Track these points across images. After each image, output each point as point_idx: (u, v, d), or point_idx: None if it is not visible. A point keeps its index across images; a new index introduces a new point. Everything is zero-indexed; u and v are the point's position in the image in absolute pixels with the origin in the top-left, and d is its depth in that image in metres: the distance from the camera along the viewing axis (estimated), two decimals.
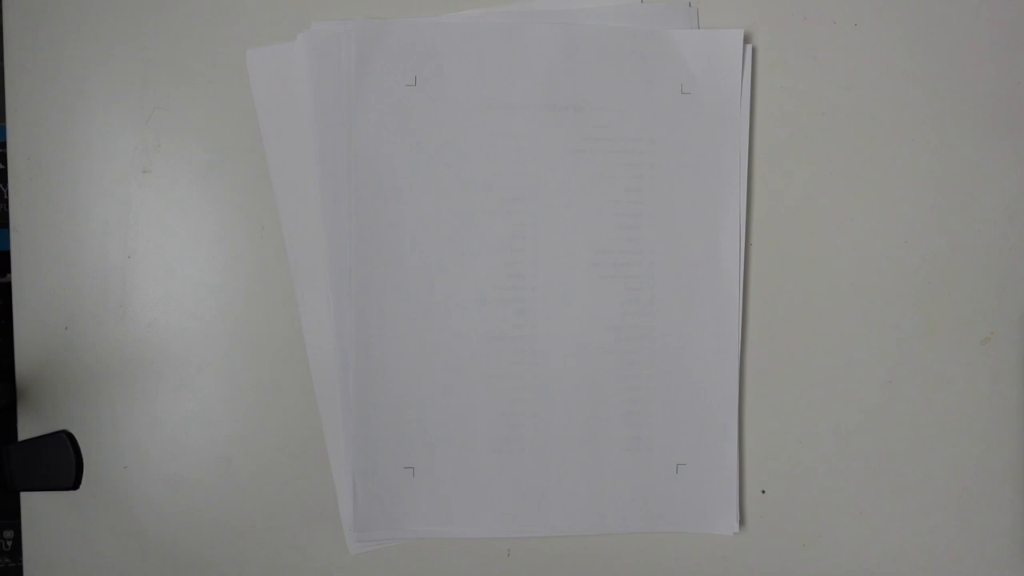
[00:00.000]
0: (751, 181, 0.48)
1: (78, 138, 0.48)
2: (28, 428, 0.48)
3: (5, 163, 0.48)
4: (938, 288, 0.49)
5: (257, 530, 0.47)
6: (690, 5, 0.48)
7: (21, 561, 0.48)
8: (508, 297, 0.47)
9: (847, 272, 0.49)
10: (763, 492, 0.49)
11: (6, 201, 0.48)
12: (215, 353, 0.48)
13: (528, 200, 0.47)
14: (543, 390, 0.48)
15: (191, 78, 0.48)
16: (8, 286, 0.48)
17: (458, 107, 0.47)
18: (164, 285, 0.48)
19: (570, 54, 0.47)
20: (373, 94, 0.47)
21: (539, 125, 0.47)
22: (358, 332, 0.47)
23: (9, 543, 0.52)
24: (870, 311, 0.49)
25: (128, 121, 0.48)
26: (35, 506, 0.48)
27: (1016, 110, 0.49)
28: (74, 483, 0.46)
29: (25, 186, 0.48)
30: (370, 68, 0.46)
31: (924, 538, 0.49)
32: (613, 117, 0.47)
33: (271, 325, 0.48)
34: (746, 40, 0.48)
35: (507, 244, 0.47)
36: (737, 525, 0.48)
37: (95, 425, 0.48)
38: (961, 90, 0.49)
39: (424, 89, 0.47)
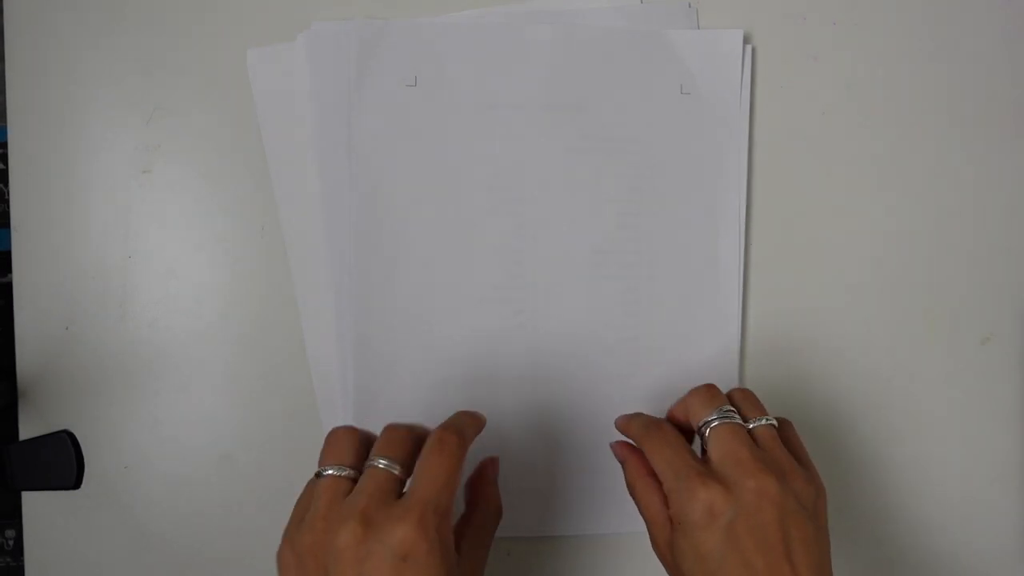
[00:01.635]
0: (751, 181, 0.48)
1: (78, 138, 0.48)
2: (29, 428, 0.48)
3: (6, 163, 0.48)
4: (938, 288, 0.49)
5: (257, 530, 0.47)
6: (690, 6, 0.48)
7: (22, 560, 0.48)
8: (508, 297, 0.47)
9: (847, 272, 0.49)
10: None
11: (7, 201, 0.48)
12: (215, 353, 0.48)
13: (528, 200, 0.47)
14: (543, 390, 0.48)
15: (191, 78, 0.48)
16: (9, 286, 0.48)
17: (458, 107, 0.47)
18: (164, 285, 0.48)
19: (570, 54, 0.47)
20: (373, 94, 0.47)
21: (539, 125, 0.47)
22: (358, 332, 0.47)
23: (10, 542, 0.52)
24: (870, 311, 0.49)
25: (128, 121, 0.48)
26: (36, 506, 0.48)
27: (1016, 110, 0.49)
28: (75, 483, 0.47)
29: (26, 186, 0.48)
30: (370, 68, 0.47)
31: (924, 538, 0.49)
32: (613, 117, 0.47)
33: (271, 325, 0.48)
34: (746, 40, 0.48)
35: (507, 244, 0.47)
36: None
37: (96, 425, 0.48)
38: (961, 90, 0.49)
39: (424, 89, 0.47)
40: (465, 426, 0.38)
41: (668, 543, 0.37)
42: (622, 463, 0.41)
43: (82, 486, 0.47)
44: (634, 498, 0.40)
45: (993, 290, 0.49)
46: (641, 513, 0.39)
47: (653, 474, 0.39)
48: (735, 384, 0.48)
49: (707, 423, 0.38)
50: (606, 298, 0.48)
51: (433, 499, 0.34)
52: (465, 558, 0.36)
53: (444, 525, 0.34)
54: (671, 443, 0.38)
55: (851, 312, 0.49)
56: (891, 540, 0.49)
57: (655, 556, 0.41)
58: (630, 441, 0.42)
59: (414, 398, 0.47)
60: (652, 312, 0.48)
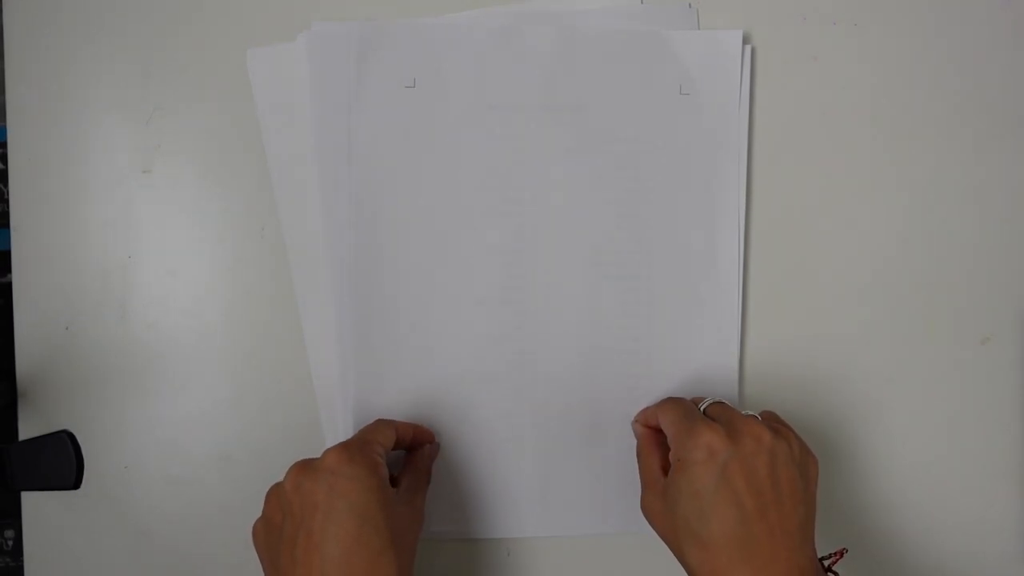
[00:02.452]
0: (751, 181, 0.48)
1: (78, 138, 0.48)
2: (29, 428, 0.48)
3: (6, 163, 0.48)
4: (937, 288, 0.49)
5: None
6: (690, 6, 0.48)
7: (22, 560, 0.48)
8: (507, 298, 0.47)
9: (846, 272, 0.49)
10: None
11: (7, 201, 0.48)
12: (215, 353, 0.48)
13: (527, 201, 0.47)
14: (543, 390, 0.48)
15: (191, 78, 0.48)
16: (9, 286, 0.48)
17: (457, 108, 0.47)
18: (164, 285, 0.48)
19: (569, 55, 0.47)
20: (372, 95, 0.47)
21: (538, 126, 0.47)
22: (358, 332, 0.47)
23: (10, 543, 0.52)
24: (870, 311, 0.49)
25: (128, 121, 0.48)
26: (36, 506, 0.48)
27: (1016, 110, 0.49)
28: (75, 483, 0.47)
29: (26, 186, 0.48)
30: (369, 69, 0.47)
31: (924, 537, 0.49)
32: (612, 118, 0.47)
33: (271, 325, 0.48)
34: (746, 40, 0.48)
35: (506, 245, 0.47)
36: None
37: (95, 425, 0.48)
38: (961, 90, 0.49)
39: (423, 90, 0.47)
40: (403, 424, 0.45)
41: (661, 493, 0.41)
42: (638, 437, 0.46)
43: (82, 486, 0.47)
44: (639, 463, 0.45)
45: (993, 290, 0.49)
46: (640, 475, 0.44)
47: (659, 444, 0.44)
48: (735, 384, 0.48)
49: (704, 402, 0.43)
50: (605, 298, 0.48)
51: (358, 438, 0.41)
52: (403, 491, 0.42)
53: (368, 449, 0.40)
54: (684, 404, 0.43)
55: (851, 312, 0.49)
56: (891, 539, 0.49)
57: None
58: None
59: (414, 398, 0.47)
60: (651, 312, 0.48)
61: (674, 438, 0.40)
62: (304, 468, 0.39)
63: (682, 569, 0.40)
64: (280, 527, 0.38)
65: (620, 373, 0.48)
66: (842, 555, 0.41)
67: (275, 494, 0.40)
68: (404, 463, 0.45)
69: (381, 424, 0.43)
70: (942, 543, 0.49)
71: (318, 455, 0.41)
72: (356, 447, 0.39)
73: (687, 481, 0.38)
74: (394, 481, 0.42)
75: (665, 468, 0.42)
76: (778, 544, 0.37)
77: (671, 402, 0.43)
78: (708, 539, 0.37)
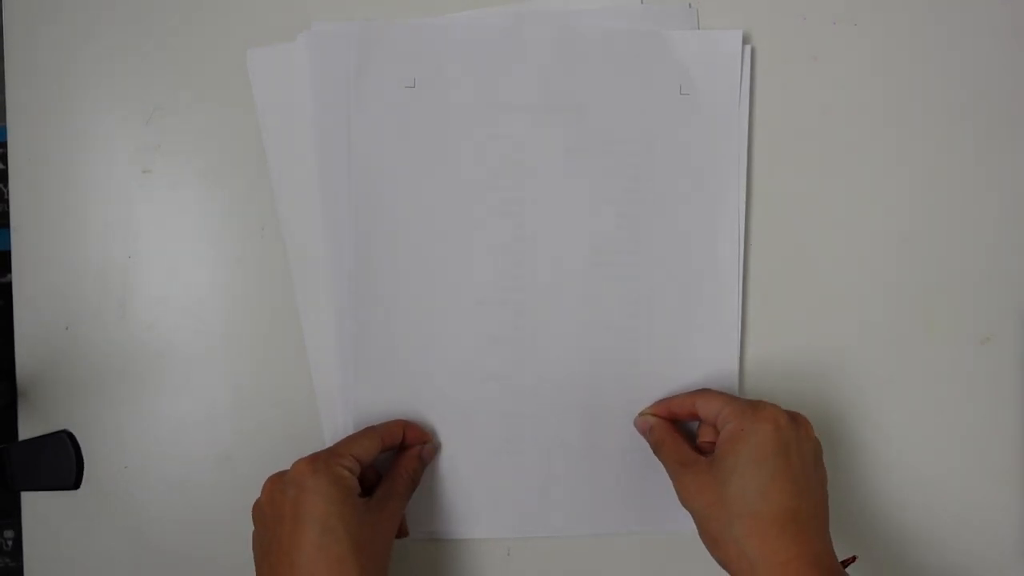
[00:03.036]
0: (751, 181, 0.48)
1: (78, 138, 0.48)
2: (29, 428, 0.48)
3: (6, 163, 0.48)
4: (937, 288, 0.49)
5: None
6: (690, 6, 0.48)
7: (22, 561, 0.48)
8: (507, 298, 0.47)
9: (846, 271, 0.49)
10: None
11: (7, 201, 0.48)
12: (215, 353, 0.48)
13: (527, 201, 0.47)
14: (543, 391, 0.48)
15: (191, 78, 0.48)
16: (9, 286, 0.48)
17: (457, 108, 0.47)
18: (164, 285, 0.48)
19: (569, 55, 0.47)
20: (372, 95, 0.47)
21: (538, 126, 0.47)
22: (358, 332, 0.47)
23: (9, 543, 0.52)
24: (869, 311, 0.49)
25: (128, 121, 0.48)
26: (35, 506, 0.48)
27: (1016, 110, 0.49)
28: (74, 483, 0.46)
29: (26, 186, 0.48)
30: (370, 69, 0.47)
31: (924, 537, 0.49)
32: (612, 118, 0.47)
33: (271, 325, 0.48)
34: (745, 40, 0.48)
35: (506, 245, 0.47)
36: None
37: (95, 425, 0.48)
38: (961, 90, 0.49)
39: (423, 90, 0.47)
40: (390, 427, 0.45)
41: (706, 468, 0.41)
42: (649, 430, 0.46)
43: (82, 486, 0.47)
44: (662, 455, 0.44)
45: (993, 290, 0.49)
46: (670, 460, 0.43)
47: (679, 432, 0.45)
48: (735, 383, 0.48)
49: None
50: (605, 298, 0.48)
51: (329, 449, 0.42)
52: (377, 499, 0.42)
53: (334, 461, 0.40)
54: (724, 392, 0.44)
55: (851, 312, 0.49)
56: (891, 539, 0.49)
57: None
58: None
59: (414, 398, 0.47)
60: (651, 312, 0.48)
61: (732, 412, 0.41)
62: (275, 481, 0.41)
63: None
64: (262, 539, 0.41)
65: (620, 373, 0.48)
66: (853, 560, 0.42)
67: (256, 507, 0.42)
68: (389, 467, 0.45)
69: (363, 434, 0.44)
70: (941, 543, 0.49)
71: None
72: (323, 459, 0.40)
73: (749, 449, 0.39)
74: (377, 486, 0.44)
75: (698, 449, 0.43)
76: (820, 524, 0.40)
77: (711, 391, 0.45)
78: (763, 509, 0.38)
